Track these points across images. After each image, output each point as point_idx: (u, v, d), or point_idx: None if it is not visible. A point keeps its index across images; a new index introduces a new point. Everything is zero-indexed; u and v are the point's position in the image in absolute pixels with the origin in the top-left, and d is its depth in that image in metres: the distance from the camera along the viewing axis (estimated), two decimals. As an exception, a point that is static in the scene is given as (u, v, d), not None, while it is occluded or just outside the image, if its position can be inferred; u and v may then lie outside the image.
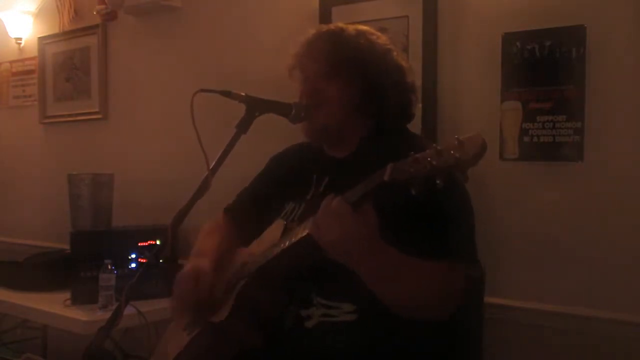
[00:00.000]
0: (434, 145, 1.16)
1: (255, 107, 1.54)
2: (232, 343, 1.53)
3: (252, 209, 1.80)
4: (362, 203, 1.27)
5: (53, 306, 2.53)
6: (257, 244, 1.66)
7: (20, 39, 3.83)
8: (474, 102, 2.19)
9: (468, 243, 1.49)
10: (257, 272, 1.53)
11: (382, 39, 1.64)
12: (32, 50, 3.81)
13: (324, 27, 1.69)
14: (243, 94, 1.54)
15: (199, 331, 1.59)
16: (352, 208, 1.26)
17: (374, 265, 1.33)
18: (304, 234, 1.38)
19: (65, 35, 3.60)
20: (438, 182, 1.12)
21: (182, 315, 1.67)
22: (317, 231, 1.32)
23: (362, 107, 1.59)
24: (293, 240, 1.43)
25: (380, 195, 1.26)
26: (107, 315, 1.56)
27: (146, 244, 2.68)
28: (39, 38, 3.75)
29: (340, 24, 1.68)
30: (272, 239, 1.57)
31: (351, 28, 1.64)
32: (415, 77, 1.71)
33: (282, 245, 1.47)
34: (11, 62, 3.98)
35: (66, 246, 2.84)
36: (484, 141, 1.08)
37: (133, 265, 2.67)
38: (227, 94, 1.51)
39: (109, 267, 2.43)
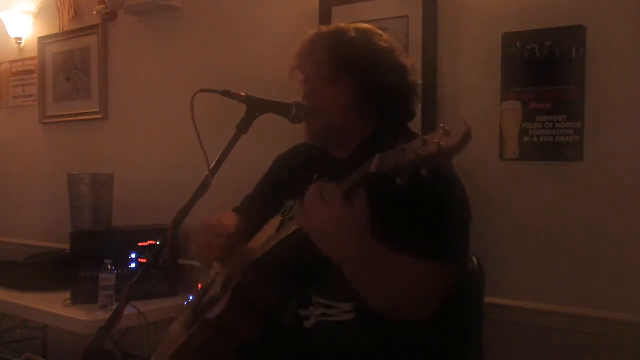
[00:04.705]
0: (421, 135, 1.16)
1: (256, 107, 1.54)
2: (228, 339, 1.53)
3: (258, 213, 1.80)
4: (353, 194, 1.25)
5: (53, 306, 2.54)
6: (256, 239, 1.66)
7: (20, 39, 3.83)
8: (474, 102, 2.19)
9: (457, 241, 1.46)
10: (251, 266, 1.53)
11: (384, 38, 1.62)
12: (32, 50, 3.81)
13: (324, 28, 1.67)
14: (243, 94, 1.53)
15: (196, 328, 1.59)
16: (343, 196, 1.24)
17: (357, 258, 1.30)
18: (294, 228, 1.37)
19: (65, 35, 3.60)
20: (422, 171, 1.12)
21: (205, 260, 1.69)
22: (301, 216, 1.30)
23: (363, 108, 1.58)
24: (286, 233, 1.43)
25: (371, 188, 1.24)
26: (107, 315, 1.56)
27: (146, 244, 2.68)
28: (39, 38, 3.75)
29: (342, 25, 1.66)
30: (270, 234, 1.57)
31: (352, 29, 1.61)
32: (417, 75, 1.71)
33: (276, 239, 1.48)
34: (11, 62, 3.98)
35: (66, 246, 2.84)
36: (469, 129, 1.08)
37: (133, 265, 2.67)
38: (227, 94, 1.51)
39: (109, 267, 2.43)
